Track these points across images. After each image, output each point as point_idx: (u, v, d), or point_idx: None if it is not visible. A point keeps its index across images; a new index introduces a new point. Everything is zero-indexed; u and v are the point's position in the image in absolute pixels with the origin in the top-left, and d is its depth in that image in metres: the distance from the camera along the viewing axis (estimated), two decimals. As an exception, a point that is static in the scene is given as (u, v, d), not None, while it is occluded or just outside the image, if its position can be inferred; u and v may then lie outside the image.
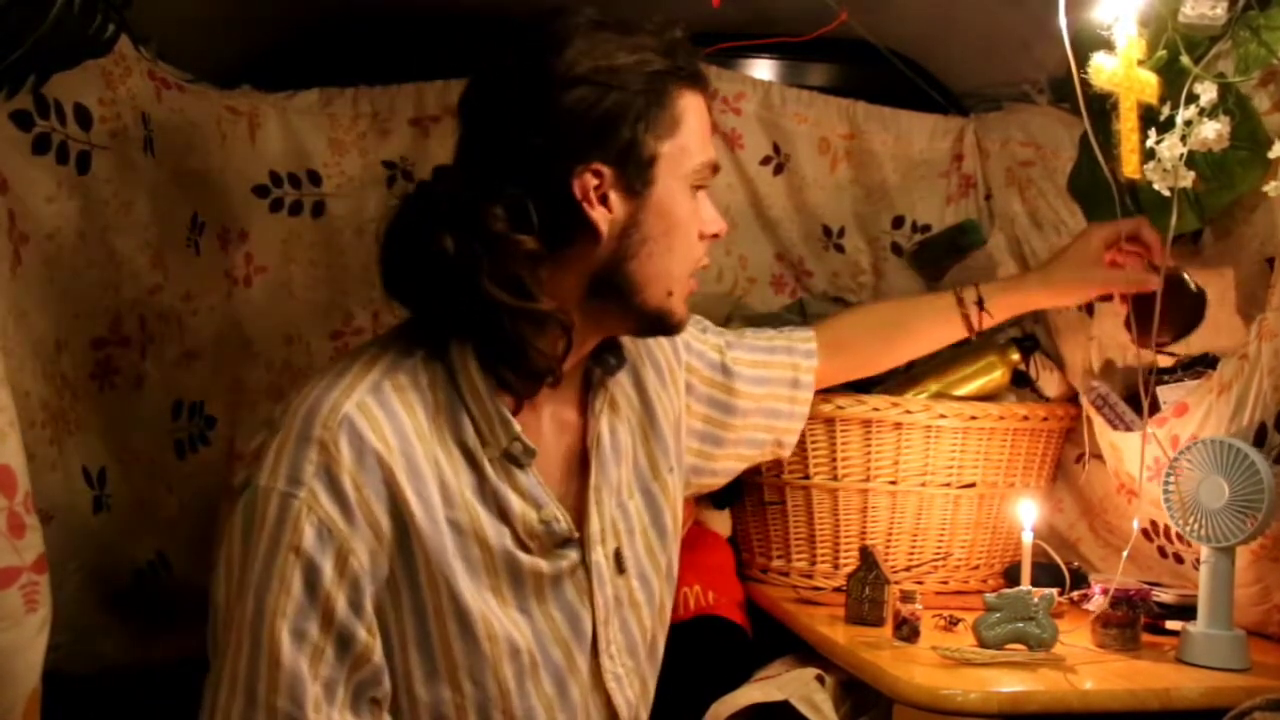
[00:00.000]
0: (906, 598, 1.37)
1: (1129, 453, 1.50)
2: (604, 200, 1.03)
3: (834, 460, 1.60)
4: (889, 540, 1.62)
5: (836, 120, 1.93)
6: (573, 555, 1.09)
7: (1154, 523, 1.49)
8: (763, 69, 1.96)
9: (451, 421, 1.02)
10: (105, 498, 1.27)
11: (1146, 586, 1.45)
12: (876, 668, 1.25)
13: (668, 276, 1.08)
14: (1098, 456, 1.60)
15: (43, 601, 0.87)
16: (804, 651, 1.47)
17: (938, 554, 1.64)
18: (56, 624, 0.90)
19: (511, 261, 1.00)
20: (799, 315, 1.84)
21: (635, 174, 1.03)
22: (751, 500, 1.71)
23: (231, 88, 1.61)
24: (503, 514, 1.03)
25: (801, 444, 1.61)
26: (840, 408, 1.57)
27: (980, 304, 1.44)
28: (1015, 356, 1.66)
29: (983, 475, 1.62)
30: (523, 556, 1.04)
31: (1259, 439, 1.29)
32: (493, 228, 0.99)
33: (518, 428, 1.03)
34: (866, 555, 1.47)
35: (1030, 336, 1.78)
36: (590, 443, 1.13)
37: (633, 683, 1.16)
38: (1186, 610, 1.35)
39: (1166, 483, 1.34)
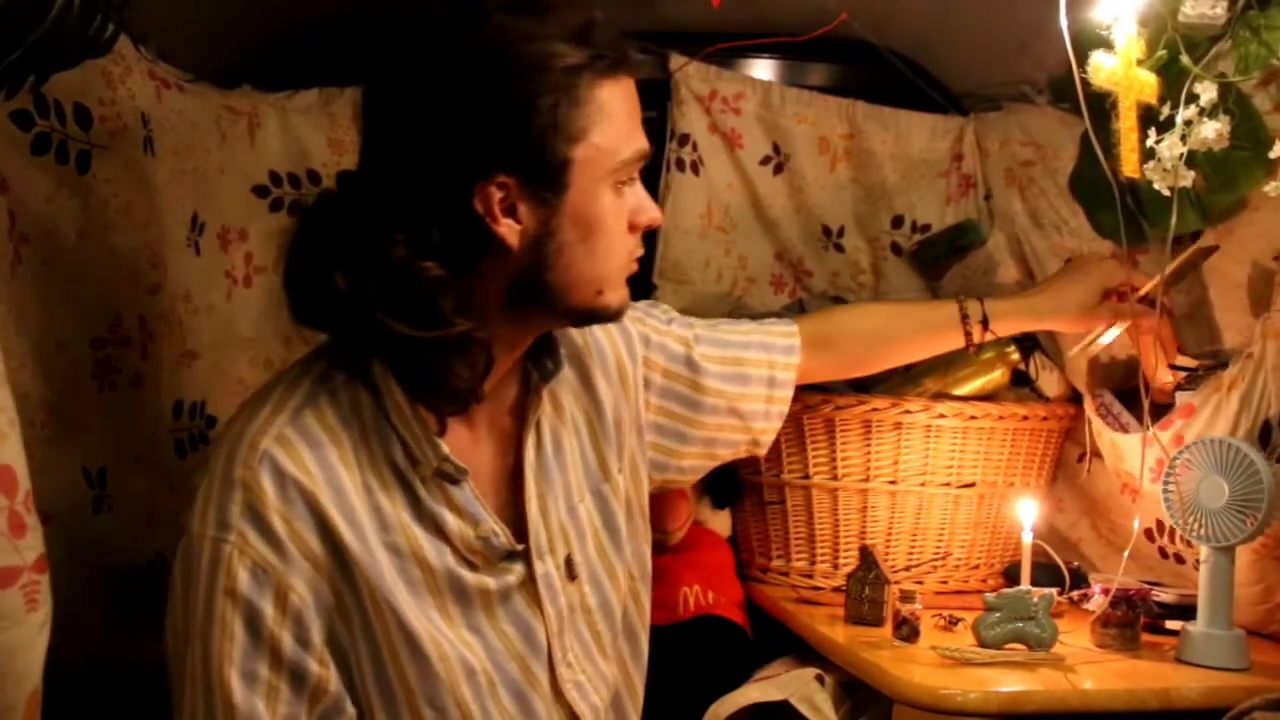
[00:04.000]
0: (906, 597, 1.37)
1: (1129, 451, 1.50)
2: (512, 212, 0.96)
3: (834, 460, 1.60)
4: (889, 540, 1.62)
5: (836, 120, 1.93)
6: (519, 569, 1.05)
7: (1158, 522, 1.49)
8: (763, 69, 1.96)
9: (380, 443, 0.99)
10: (105, 498, 1.27)
11: (1146, 586, 1.45)
12: (876, 667, 1.26)
13: (593, 279, 1.02)
14: (1099, 456, 1.60)
15: (43, 601, 0.87)
16: (804, 651, 1.47)
17: (937, 554, 1.64)
18: (56, 624, 0.90)
19: (415, 290, 0.94)
20: (799, 315, 1.84)
21: (545, 182, 0.96)
22: (751, 500, 1.71)
23: (231, 88, 1.61)
24: (441, 533, 1.01)
25: (801, 444, 1.61)
26: (840, 408, 1.57)
27: (985, 324, 1.40)
28: (1015, 356, 1.66)
29: (982, 475, 1.62)
30: (467, 574, 1.02)
31: (1264, 437, 1.29)
32: (392, 256, 0.93)
33: (445, 449, 1.00)
34: (866, 555, 1.47)
35: (1030, 336, 1.78)
36: (525, 453, 1.09)
37: (597, 688, 1.13)
38: (1186, 610, 1.35)
39: (1166, 482, 1.34)
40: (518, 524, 1.07)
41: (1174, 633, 1.36)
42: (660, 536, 1.64)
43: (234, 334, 1.61)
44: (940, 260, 1.89)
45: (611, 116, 0.98)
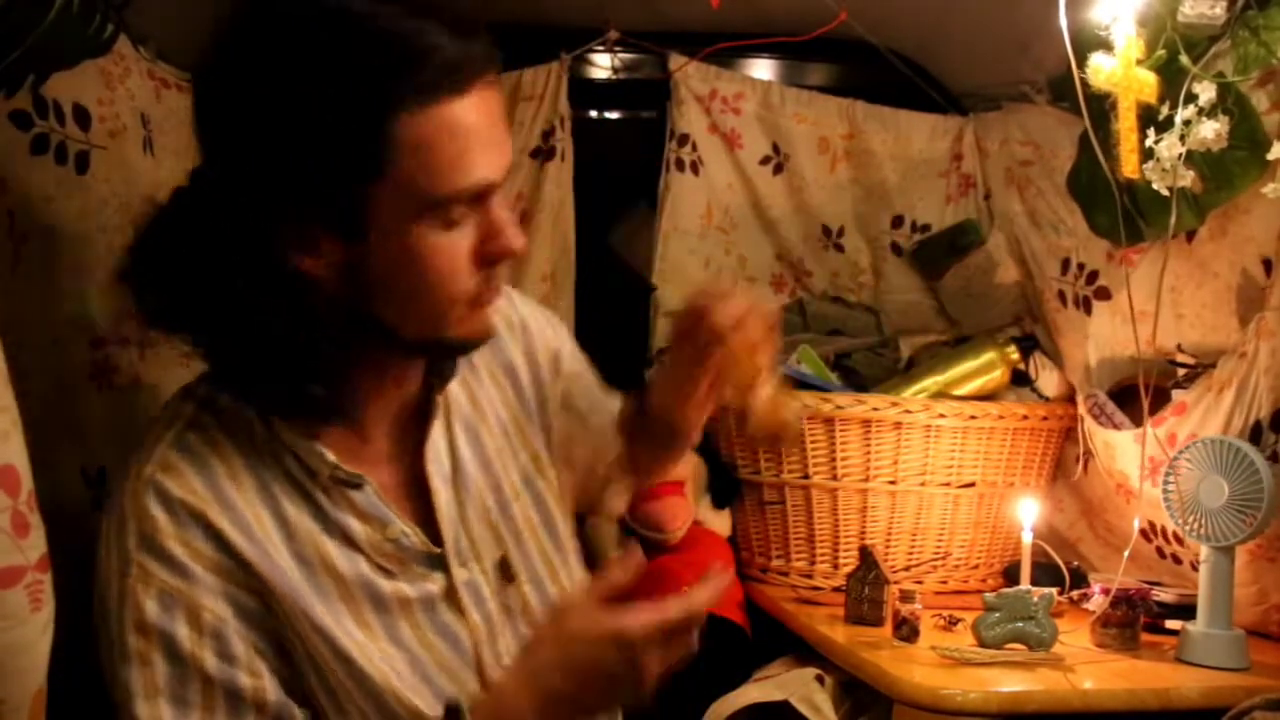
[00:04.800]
0: (906, 597, 1.37)
1: (1122, 451, 1.50)
2: (314, 248, 0.88)
3: (833, 460, 1.60)
4: (888, 540, 1.62)
5: (836, 120, 1.93)
6: (440, 577, 1.02)
7: (1152, 523, 1.49)
8: (762, 69, 1.96)
9: (273, 457, 0.96)
10: (105, 498, 1.27)
11: (1146, 586, 1.45)
12: (876, 667, 1.26)
13: (426, 318, 0.93)
14: (1092, 455, 1.61)
15: (47, 601, 0.87)
16: (804, 651, 1.47)
17: (937, 554, 1.64)
18: (59, 623, 0.90)
19: (239, 312, 0.90)
20: (799, 315, 1.85)
21: (341, 224, 0.87)
22: (751, 500, 1.71)
23: (231, 88, 1.61)
24: (350, 541, 0.98)
25: (801, 444, 1.61)
26: (840, 408, 1.57)
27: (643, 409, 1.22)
28: (1015, 356, 1.67)
29: (982, 475, 1.62)
30: (383, 582, 0.98)
31: (1254, 437, 1.30)
32: (212, 274, 0.89)
33: (331, 457, 0.96)
34: (866, 555, 1.47)
35: (1030, 336, 1.78)
36: (427, 462, 1.03)
37: None
38: (1186, 610, 1.35)
39: (1166, 482, 1.34)
40: (432, 532, 1.03)
41: (1174, 632, 1.36)
42: (660, 536, 1.64)
43: (233, 334, 1.60)
44: (940, 260, 1.89)
45: (421, 151, 0.84)
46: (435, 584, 1.02)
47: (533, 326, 1.18)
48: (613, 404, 1.28)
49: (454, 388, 1.09)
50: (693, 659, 1.29)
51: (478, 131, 0.86)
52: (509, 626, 1.07)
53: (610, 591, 0.97)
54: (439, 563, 1.02)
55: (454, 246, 0.90)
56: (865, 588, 1.46)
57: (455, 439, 1.07)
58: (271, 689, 0.94)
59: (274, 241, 0.88)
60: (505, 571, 1.07)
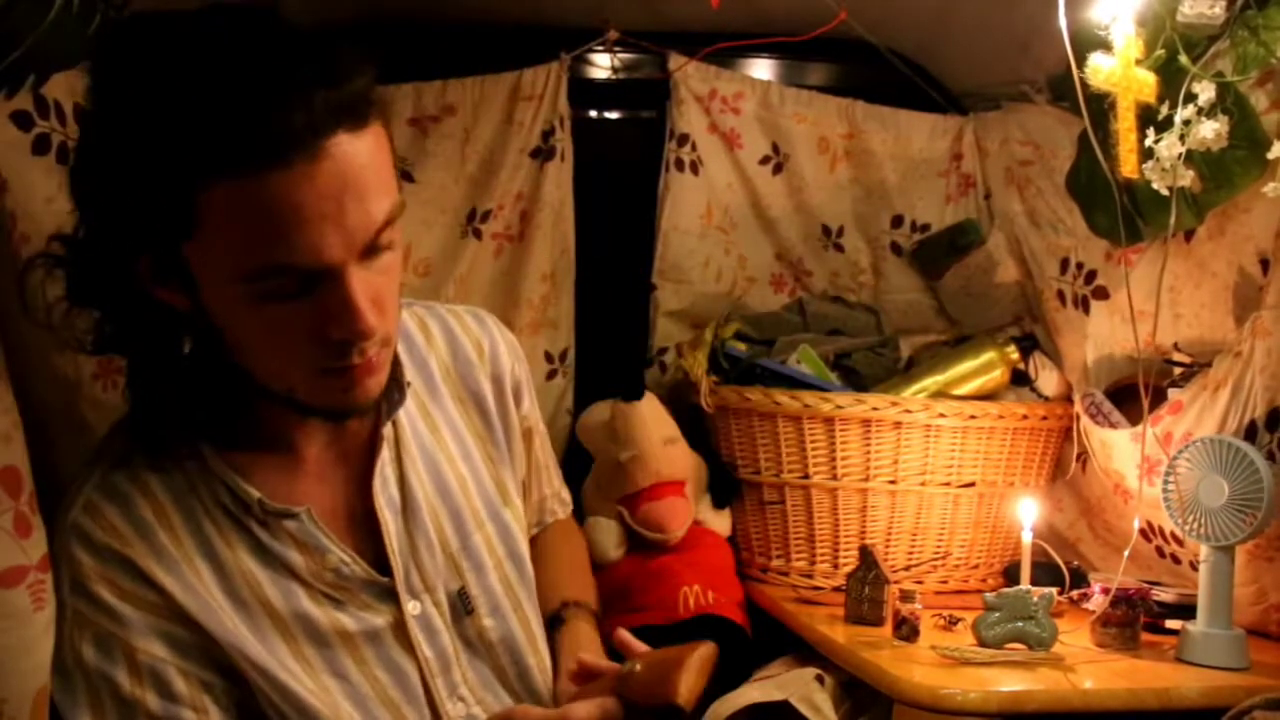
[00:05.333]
0: (906, 597, 1.37)
1: (1118, 450, 1.50)
2: (166, 281, 0.87)
3: (833, 460, 1.60)
4: (888, 540, 1.62)
5: (836, 120, 1.93)
6: (388, 609, 1.01)
7: (1150, 523, 1.49)
8: (762, 69, 1.96)
9: (208, 490, 0.96)
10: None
11: (1146, 586, 1.45)
12: (876, 667, 1.26)
13: (276, 378, 0.91)
14: (1087, 454, 1.61)
15: (49, 600, 0.87)
16: (804, 651, 1.47)
17: (937, 553, 1.64)
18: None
19: (133, 357, 0.94)
20: (798, 315, 1.85)
21: (173, 272, 0.86)
22: (751, 500, 1.71)
23: (231, 88, 1.61)
24: (289, 571, 0.97)
25: (801, 444, 1.61)
26: (840, 407, 1.57)
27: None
28: (1014, 355, 1.67)
29: (982, 474, 1.62)
30: (322, 616, 0.98)
31: (1249, 436, 1.30)
32: (105, 326, 0.93)
33: (256, 494, 0.95)
34: (866, 555, 1.47)
35: (1029, 336, 1.78)
36: (375, 494, 1.02)
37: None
38: (1186, 609, 1.36)
39: (1166, 482, 1.34)
40: (380, 562, 1.02)
41: (1174, 632, 1.36)
42: (660, 537, 1.64)
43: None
44: (940, 260, 1.89)
45: (234, 222, 0.80)
46: (383, 617, 1.01)
47: (503, 354, 1.16)
48: (550, 484, 1.30)
49: (411, 414, 1.07)
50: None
51: (302, 208, 0.80)
52: (468, 658, 1.07)
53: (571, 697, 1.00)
54: (388, 594, 1.01)
55: (286, 318, 0.85)
56: (865, 588, 1.46)
57: (406, 468, 1.06)
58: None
59: (136, 272, 0.87)
60: (464, 603, 1.06)
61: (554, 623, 1.18)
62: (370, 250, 0.86)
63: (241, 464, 0.97)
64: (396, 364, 1.02)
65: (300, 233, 0.80)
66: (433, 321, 1.16)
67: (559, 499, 1.35)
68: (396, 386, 1.02)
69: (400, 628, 1.02)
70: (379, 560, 1.02)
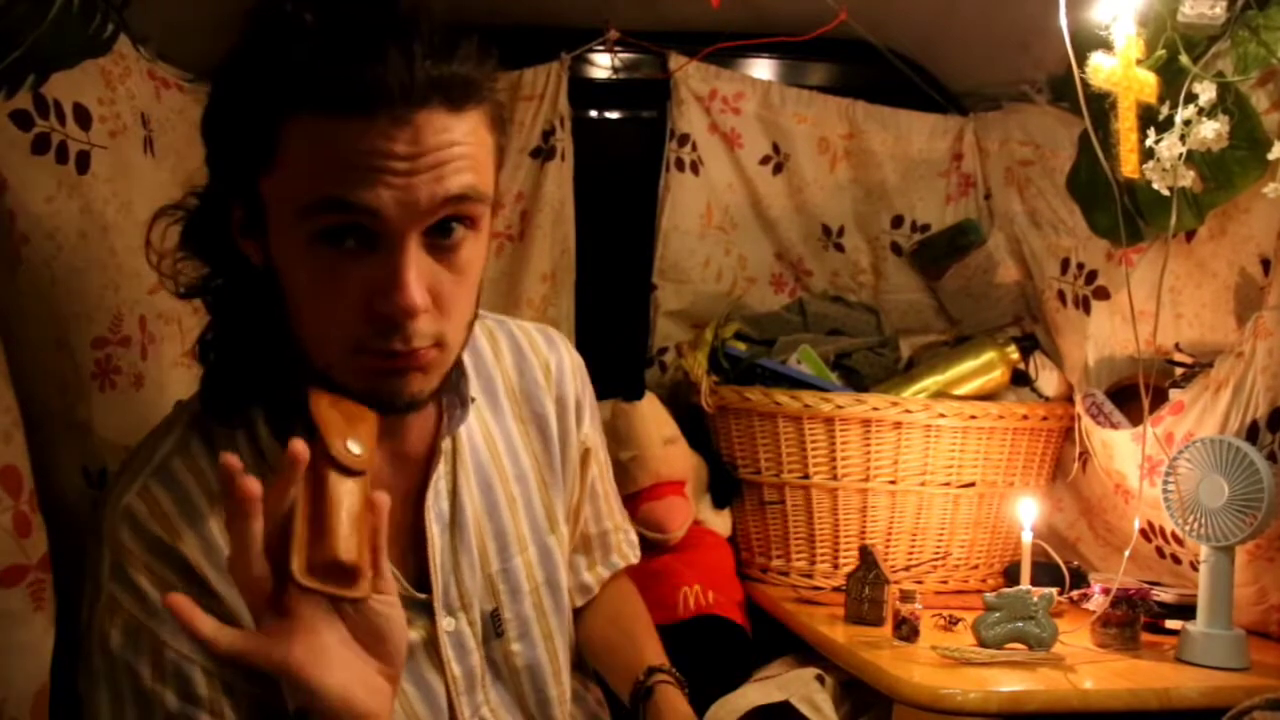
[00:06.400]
0: (906, 597, 1.37)
1: (1119, 450, 1.50)
2: (249, 233, 0.90)
3: (833, 460, 1.60)
4: (888, 540, 1.62)
5: (836, 120, 1.93)
6: (422, 623, 1.00)
7: (1150, 523, 1.49)
8: (762, 69, 1.96)
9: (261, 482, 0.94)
10: (98, 508, 1.27)
11: (1146, 586, 1.45)
12: (876, 667, 1.26)
13: (316, 347, 0.89)
14: (1088, 454, 1.61)
15: (49, 600, 0.87)
16: (804, 651, 1.47)
17: (937, 553, 1.64)
18: (59, 622, 0.90)
19: (236, 311, 0.93)
20: (799, 315, 1.85)
21: (250, 214, 0.89)
22: (751, 500, 1.71)
23: (231, 87, 1.61)
24: None
25: (801, 444, 1.61)
26: (840, 407, 1.57)
27: None
28: (1015, 356, 1.67)
29: (982, 475, 1.62)
30: None
31: (1251, 437, 1.30)
32: (219, 261, 0.94)
33: None
34: (866, 555, 1.47)
35: (1029, 336, 1.78)
36: (427, 509, 1.01)
37: None
38: (1186, 610, 1.36)
39: (1166, 482, 1.34)
40: (423, 575, 1.01)
41: (1174, 632, 1.36)
42: (660, 537, 1.64)
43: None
44: (940, 260, 1.89)
45: (311, 154, 0.82)
46: (416, 631, 1.00)
47: (568, 375, 1.15)
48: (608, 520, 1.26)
49: (471, 428, 1.06)
50: (693, 659, 1.27)
51: (372, 156, 0.81)
52: (492, 679, 1.06)
53: None
54: (424, 609, 1.01)
55: (338, 271, 0.85)
56: (865, 588, 1.46)
57: (460, 483, 1.05)
58: None
59: (230, 222, 0.90)
60: (495, 625, 1.05)
61: (644, 693, 1.14)
62: (436, 231, 0.85)
63: None
64: (462, 378, 1.01)
65: (363, 176, 0.81)
66: (503, 337, 1.15)
67: (629, 541, 1.30)
68: (459, 401, 1.01)
69: (433, 644, 1.01)
70: (420, 573, 1.01)
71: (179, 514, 0.92)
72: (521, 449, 1.11)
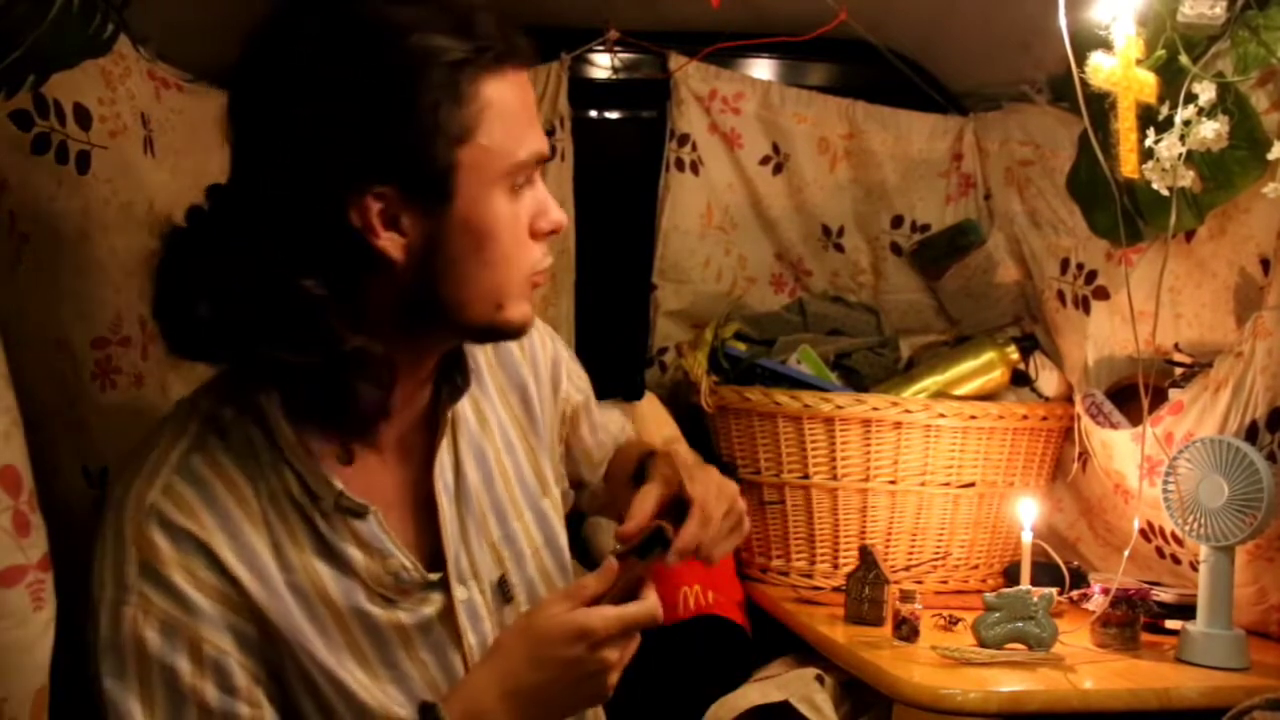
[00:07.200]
0: (906, 597, 1.37)
1: (1119, 450, 1.50)
2: (394, 224, 0.88)
3: (833, 460, 1.60)
4: (888, 540, 1.62)
5: (836, 120, 1.93)
6: (437, 597, 1.01)
7: (1150, 523, 1.49)
8: (762, 69, 1.97)
9: (277, 480, 0.94)
10: (102, 508, 1.27)
11: (1146, 586, 1.45)
12: (876, 668, 1.26)
13: (492, 292, 0.93)
14: (1088, 454, 1.61)
15: (48, 600, 0.87)
16: (804, 651, 1.47)
17: (937, 553, 1.64)
18: (59, 622, 0.90)
19: (296, 312, 0.88)
20: (799, 315, 1.85)
21: (427, 190, 0.87)
22: (751, 500, 1.71)
23: (231, 88, 1.61)
24: (349, 570, 0.96)
25: (801, 444, 1.61)
26: (840, 407, 1.57)
27: None
28: (1014, 356, 1.67)
29: (982, 475, 1.62)
30: (379, 613, 0.97)
31: (1250, 437, 1.30)
32: (266, 277, 0.87)
33: (339, 485, 0.95)
34: (866, 555, 1.47)
35: (1029, 336, 1.78)
36: (435, 480, 1.03)
37: None
38: (1186, 610, 1.36)
39: (1166, 482, 1.34)
40: (434, 549, 1.02)
41: (1174, 632, 1.36)
42: (660, 536, 1.64)
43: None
44: (940, 260, 1.89)
45: (501, 115, 0.88)
46: (432, 606, 1.01)
47: (536, 339, 1.17)
48: (612, 423, 1.29)
49: (463, 404, 1.07)
50: (693, 659, 1.27)
51: (530, 100, 0.93)
52: None
53: (583, 598, 0.97)
54: (439, 584, 1.02)
55: (518, 217, 0.93)
56: (865, 588, 1.46)
57: (460, 456, 1.06)
58: (269, 715, 0.93)
59: (348, 221, 0.87)
60: (504, 592, 1.07)
61: (638, 479, 1.15)
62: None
63: (317, 451, 0.95)
64: (467, 350, 1.05)
65: (533, 124, 0.93)
66: None
67: (625, 433, 1.36)
68: (461, 372, 1.04)
69: (449, 615, 1.02)
70: (434, 546, 1.03)
71: (206, 510, 0.92)
72: (508, 421, 1.13)
